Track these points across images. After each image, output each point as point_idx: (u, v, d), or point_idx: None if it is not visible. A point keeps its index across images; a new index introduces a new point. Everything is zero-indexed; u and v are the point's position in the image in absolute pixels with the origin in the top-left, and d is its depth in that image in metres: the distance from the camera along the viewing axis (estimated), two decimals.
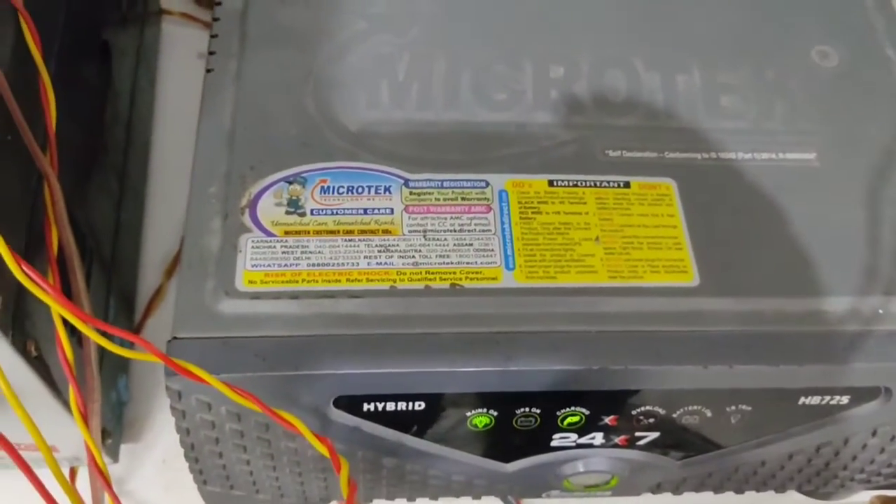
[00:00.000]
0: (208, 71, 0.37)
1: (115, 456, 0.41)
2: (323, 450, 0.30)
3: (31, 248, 0.31)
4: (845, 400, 0.34)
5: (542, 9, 0.40)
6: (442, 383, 0.31)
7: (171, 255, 0.48)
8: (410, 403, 0.32)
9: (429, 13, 0.40)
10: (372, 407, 0.32)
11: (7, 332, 0.29)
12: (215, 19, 0.38)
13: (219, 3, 0.39)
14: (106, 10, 0.44)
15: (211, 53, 0.37)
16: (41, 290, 0.27)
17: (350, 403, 0.32)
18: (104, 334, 0.28)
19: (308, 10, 0.39)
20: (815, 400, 0.33)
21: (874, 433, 0.35)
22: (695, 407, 0.33)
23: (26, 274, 0.26)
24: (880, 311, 0.33)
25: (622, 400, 0.33)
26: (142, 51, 0.50)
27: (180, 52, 0.56)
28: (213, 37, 0.38)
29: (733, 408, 0.33)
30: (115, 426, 0.42)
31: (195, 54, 0.55)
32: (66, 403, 0.33)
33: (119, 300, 0.43)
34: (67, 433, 0.36)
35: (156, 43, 0.55)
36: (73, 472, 0.41)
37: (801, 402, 0.33)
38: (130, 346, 0.32)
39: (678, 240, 0.34)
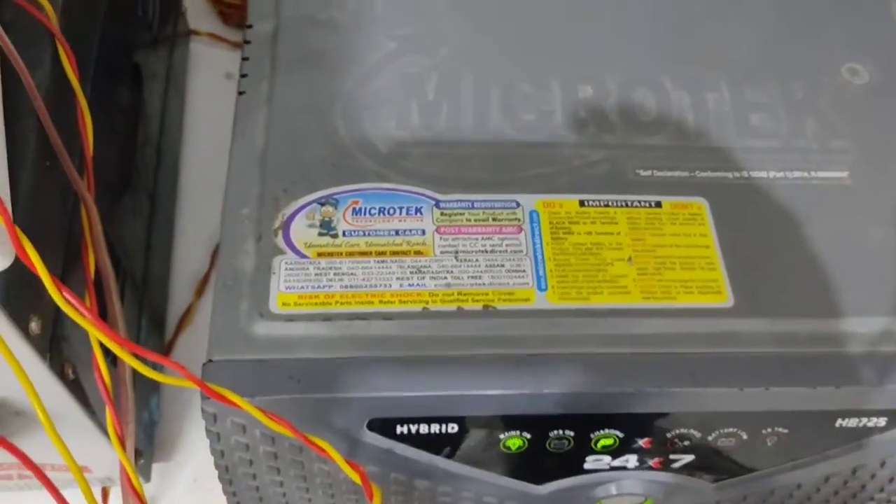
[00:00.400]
0: (240, 93, 0.37)
1: (147, 475, 0.41)
2: (355, 476, 0.30)
3: (67, 270, 0.31)
4: (882, 422, 0.33)
5: (570, 28, 0.40)
6: (475, 406, 0.31)
7: (202, 274, 0.49)
8: (443, 426, 0.32)
9: (457, 33, 0.40)
10: (405, 429, 0.32)
11: (45, 357, 0.29)
12: (246, 42, 0.39)
13: (249, 27, 0.39)
14: (138, 32, 0.44)
15: (243, 76, 0.37)
16: (80, 315, 0.27)
17: (383, 426, 0.32)
18: (140, 358, 0.29)
19: (338, 33, 0.39)
20: (852, 422, 0.33)
21: None
22: (730, 429, 0.33)
23: (66, 300, 0.26)
24: None
25: (657, 422, 0.32)
26: (171, 72, 0.51)
27: (208, 72, 0.57)
28: (244, 59, 0.38)
29: (769, 430, 0.33)
30: (146, 446, 0.42)
31: (223, 74, 0.56)
32: (101, 425, 0.34)
33: (150, 320, 0.44)
34: (101, 454, 0.36)
35: (184, 63, 0.55)
36: (105, 493, 0.41)
37: (837, 424, 0.33)
38: (163, 368, 0.33)
39: (711, 259, 0.34)
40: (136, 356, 0.28)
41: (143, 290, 0.42)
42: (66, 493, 0.28)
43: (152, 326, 0.44)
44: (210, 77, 0.56)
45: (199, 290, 0.48)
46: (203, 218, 0.50)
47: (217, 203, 0.34)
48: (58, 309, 0.30)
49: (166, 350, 0.47)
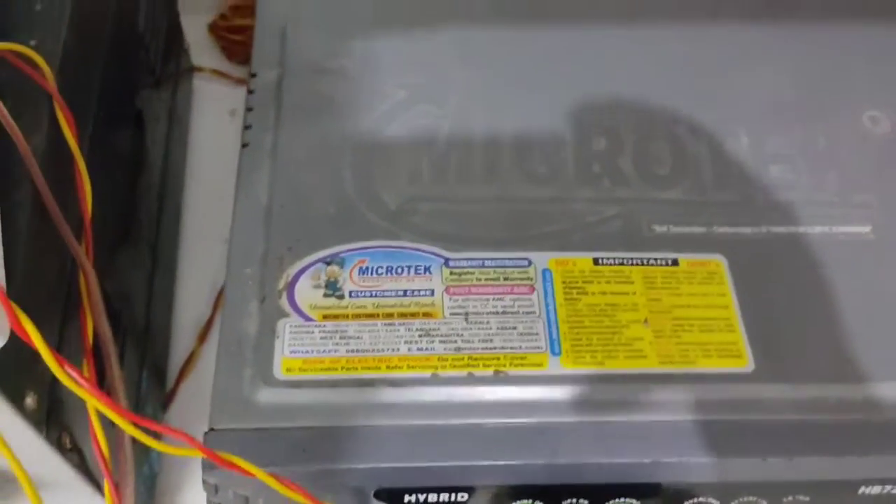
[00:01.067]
0: (244, 146, 0.36)
1: None
2: None
3: (64, 337, 0.30)
4: None
5: (584, 77, 0.39)
6: (485, 475, 0.30)
7: (204, 320, 0.48)
8: (453, 495, 0.31)
9: (467, 81, 0.39)
10: (413, 499, 0.31)
11: (42, 430, 0.28)
12: (250, 91, 0.38)
13: (254, 75, 0.38)
14: (140, 75, 0.43)
15: (247, 128, 0.37)
16: (78, 386, 0.26)
17: (391, 495, 0.30)
18: (140, 427, 0.28)
19: (345, 81, 0.38)
20: (876, 489, 0.32)
21: None
22: (751, 498, 0.32)
23: (67, 373, 0.25)
24: None
25: (675, 492, 0.31)
26: (174, 111, 0.50)
27: (212, 109, 0.55)
28: (248, 110, 0.37)
29: (790, 498, 0.32)
30: (146, 499, 0.41)
31: (227, 111, 0.55)
32: (100, 490, 0.33)
33: (152, 369, 0.43)
34: None
35: (188, 101, 0.54)
36: None
37: (861, 491, 0.32)
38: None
39: (730, 321, 0.33)
40: (136, 426, 0.28)
41: (144, 341, 0.41)
42: None
43: (153, 376, 0.43)
44: (214, 114, 0.55)
45: (202, 337, 0.47)
46: (206, 262, 0.49)
47: (220, 247, 0.33)
48: (54, 378, 0.29)
49: (168, 398, 0.46)
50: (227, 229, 0.35)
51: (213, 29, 0.58)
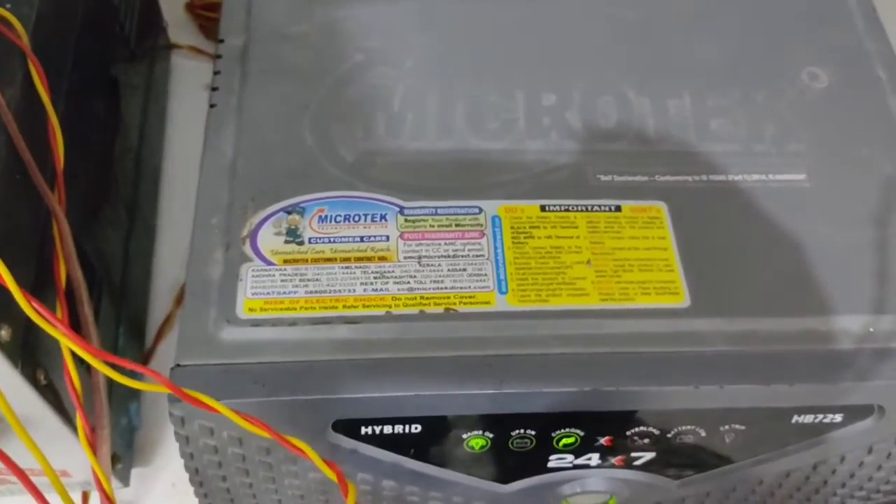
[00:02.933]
0: (211, 106, 0.38)
1: (125, 480, 0.42)
2: (331, 475, 0.31)
3: (40, 282, 0.32)
4: (839, 418, 0.34)
5: (535, 39, 0.41)
6: (437, 406, 0.32)
7: (181, 283, 0.50)
8: (407, 426, 0.33)
9: (424, 45, 0.41)
10: (370, 430, 0.33)
11: (17, 363, 0.30)
12: (217, 56, 0.40)
13: (221, 41, 0.40)
14: (115, 47, 0.45)
15: (214, 89, 0.39)
16: (50, 324, 0.28)
17: (348, 427, 0.32)
18: (112, 366, 0.29)
19: (307, 47, 0.40)
20: (808, 419, 0.34)
21: (870, 451, 0.35)
22: (688, 427, 0.34)
23: (35, 309, 0.27)
24: (871, 330, 0.34)
25: (616, 421, 0.33)
26: (151, 84, 0.52)
27: (189, 85, 0.58)
28: (215, 73, 0.39)
29: (727, 427, 0.34)
30: (125, 451, 0.43)
31: (203, 86, 0.57)
32: (76, 430, 0.34)
33: (129, 328, 0.45)
34: (79, 459, 0.37)
35: (165, 76, 0.56)
36: (85, 497, 0.42)
37: (794, 420, 0.34)
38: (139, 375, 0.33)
39: (669, 262, 0.35)
40: (109, 364, 0.29)
41: (121, 300, 0.43)
42: (48, 498, 0.29)
43: (131, 334, 0.45)
44: (191, 89, 0.57)
45: (179, 299, 0.49)
46: (185, 227, 0.50)
47: None
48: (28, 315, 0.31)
49: (146, 358, 0.47)
50: None
51: (190, 7, 0.60)
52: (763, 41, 0.42)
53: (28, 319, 0.31)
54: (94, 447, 0.32)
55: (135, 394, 0.45)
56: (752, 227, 0.36)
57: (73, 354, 0.31)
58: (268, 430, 0.30)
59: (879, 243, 0.36)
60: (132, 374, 0.30)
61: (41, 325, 0.29)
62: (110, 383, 0.38)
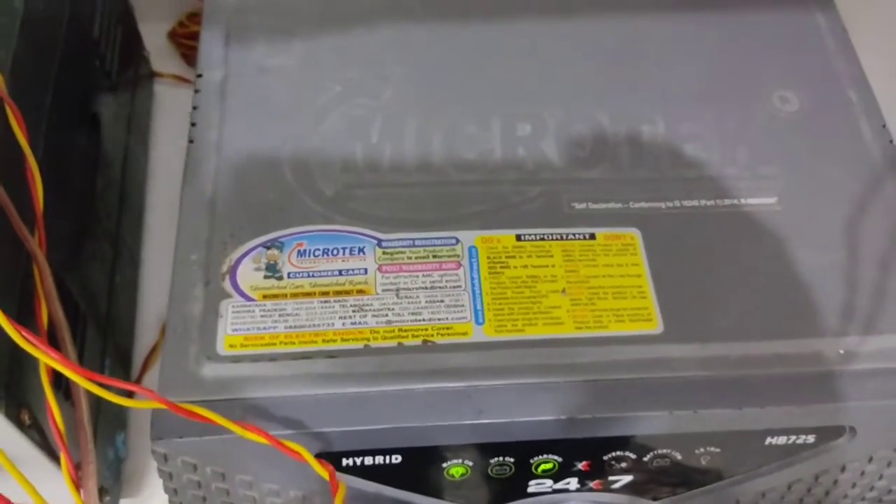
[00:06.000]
0: (190, 142, 0.39)
1: None
2: (324, 473, 0.31)
3: (21, 323, 0.32)
4: (811, 439, 0.35)
5: (511, 68, 0.42)
6: (417, 437, 0.33)
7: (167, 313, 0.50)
8: (388, 457, 0.33)
9: (401, 76, 0.42)
10: (351, 462, 0.33)
11: (0, 404, 0.30)
12: (196, 91, 0.40)
13: (200, 76, 0.41)
14: (95, 80, 0.46)
15: (192, 125, 0.39)
16: (32, 345, 0.29)
17: (329, 459, 0.33)
18: (104, 386, 0.30)
19: (286, 79, 0.41)
20: (782, 440, 0.35)
21: (843, 469, 0.36)
22: (664, 450, 0.34)
23: (24, 337, 0.28)
24: (841, 352, 0.34)
25: (592, 447, 0.34)
26: (133, 114, 0.52)
27: (172, 113, 0.58)
28: (194, 108, 0.40)
29: (702, 450, 0.34)
30: (113, 484, 0.43)
31: (187, 113, 0.57)
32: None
33: (115, 360, 0.45)
34: (67, 494, 0.37)
35: (148, 105, 0.57)
36: None
37: (767, 442, 0.34)
38: (130, 395, 0.34)
39: (642, 288, 0.35)
40: (101, 385, 0.30)
41: (106, 332, 0.44)
42: None
43: (117, 366, 0.45)
44: (175, 118, 0.57)
45: (165, 330, 0.49)
46: (170, 256, 0.51)
47: None
48: (12, 356, 0.31)
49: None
50: None
51: (173, 36, 0.60)
52: (734, 65, 0.43)
53: (12, 360, 0.32)
54: (78, 486, 0.33)
55: (121, 424, 0.45)
56: (725, 252, 0.37)
57: (56, 388, 0.32)
58: (264, 435, 0.30)
59: (849, 266, 0.36)
60: (122, 394, 0.31)
61: (26, 349, 0.29)
62: (95, 417, 0.39)
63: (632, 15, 0.44)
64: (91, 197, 0.43)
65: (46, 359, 0.29)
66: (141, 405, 0.31)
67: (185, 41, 0.59)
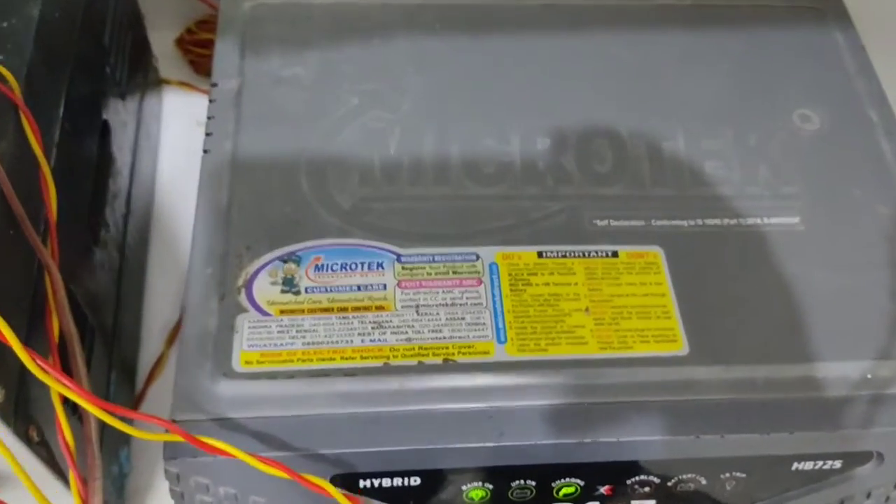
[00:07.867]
0: (205, 152, 0.38)
1: None
2: None
3: (32, 334, 0.32)
4: (838, 464, 0.34)
5: (530, 82, 0.41)
6: (436, 459, 0.32)
7: (172, 323, 0.49)
8: (406, 479, 0.32)
9: (419, 88, 0.41)
10: (368, 483, 0.32)
11: (10, 422, 0.29)
12: (211, 101, 0.39)
13: (215, 85, 0.40)
14: (105, 88, 0.45)
15: (207, 135, 0.38)
16: (46, 374, 0.28)
17: (346, 481, 0.32)
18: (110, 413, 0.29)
19: (301, 89, 0.40)
20: (808, 465, 0.34)
21: (868, 495, 0.35)
22: (689, 475, 0.34)
23: (36, 363, 0.27)
24: (869, 376, 0.34)
25: (616, 470, 0.33)
26: (141, 121, 0.51)
27: (181, 120, 0.57)
28: (209, 118, 0.39)
29: (727, 475, 0.34)
30: (116, 499, 0.42)
31: (195, 122, 0.57)
32: (69, 484, 0.34)
33: (120, 371, 0.44)
34: None
35: (156, 112, 0.56)
36: None
37: (794, 467, 0.34)
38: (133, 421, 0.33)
39: (667, 308, 0.35)
40: (107, 411, 0.29)
41: (112, 343, 0.43)
42: None
43: (123, 378, 0.44)
44: (182, 125, 0.57)
45: (171, 340, 0.48)
46: (175, 267, 0.50)
47: (189, 251, 0.35)
48: (21, 373, 0.30)
49: (137, 400, 0.47)
50: None
51: (181, 43, 0.59)
52: (754, 83, 0.43)
53: (20, 377, 0.31)
54: (86, 502, 0.32)
55: (125, 439, 0.44)
56: (748, 272, 0.36)
57: (65, 404, 0.31)
58: (286, 470, 0.30)
59: (875, 287, 0.36)
60: (127, 422, 0.30)
61: (37, 375, 0.28)
62: (101, 431, 0.38)
63: (652, 31, 0.44)
64: (101, 205, 0.42)
65: (60, 387, 0.29)
66: (158, 438, 0.30)
67: (193, 48, 0.58)
